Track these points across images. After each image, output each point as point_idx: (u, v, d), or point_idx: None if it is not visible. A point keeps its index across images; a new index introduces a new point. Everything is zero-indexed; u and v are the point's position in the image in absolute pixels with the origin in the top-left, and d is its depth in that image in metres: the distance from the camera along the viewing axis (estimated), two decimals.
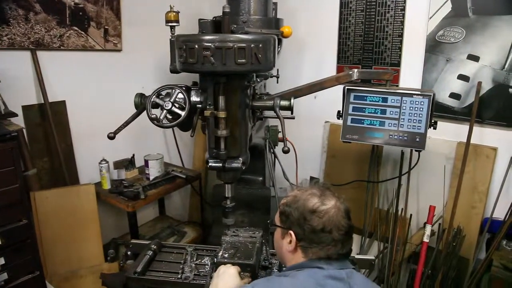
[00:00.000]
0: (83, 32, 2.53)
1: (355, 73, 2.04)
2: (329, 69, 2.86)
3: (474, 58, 2.26)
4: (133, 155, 2.88)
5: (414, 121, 1.97)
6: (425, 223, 2.38)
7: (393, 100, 2.01)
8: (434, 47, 2.39)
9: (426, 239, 2.35)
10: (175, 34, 1.59)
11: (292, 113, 1.67)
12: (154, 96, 1.53)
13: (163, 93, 1.58)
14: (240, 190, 2.21)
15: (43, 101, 2.38)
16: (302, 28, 2.88)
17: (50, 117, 2.40)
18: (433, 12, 2.35)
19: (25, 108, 2.32)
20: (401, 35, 2.51)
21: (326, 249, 1.15)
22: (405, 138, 1.99)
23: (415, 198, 2.60)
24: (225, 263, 1.41)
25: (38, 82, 2.34)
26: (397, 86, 2.56)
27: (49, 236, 2.31)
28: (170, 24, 1.68)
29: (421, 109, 1.95)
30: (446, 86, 2.39)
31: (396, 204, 2.54)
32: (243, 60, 1.35)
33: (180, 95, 1.53)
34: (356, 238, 2.67)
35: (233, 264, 1.40)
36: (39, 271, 1.94)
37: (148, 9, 2.87)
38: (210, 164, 1.60)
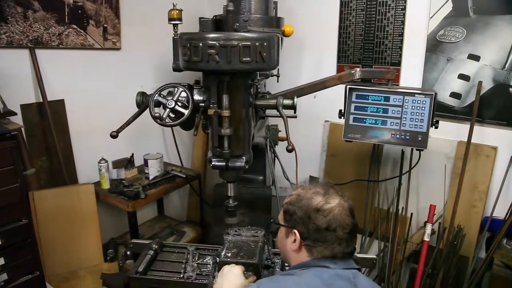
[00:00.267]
0: (82, 31, 2.51)
1: (358, 72, 2.04)
2: (329, 68, 2.86)
3: (474, 57, 2.27)
4: (132, 154, 2.86)
5: (416, 120, 1.97)
6: (425, 222, 2.39)
7: (395, 99, 2.01)
8: (435, 46, 2.39)
9: (426, 238, 2.36)
10: (178, 32, 1.58)
11: (295, 112, 1.67)
12: (157, 94, 1.52)
13: (165, 92, 1.57)
14: (240, 189, 2.20)
15: (41, 100, 2.35)
16: (302, 27, 2.87)
17: (49, 116, 2.38)
18: (433, 12, 2.36)
19: (24, 107, 2.29)
20: (401, 35, 2.51)
21: (331, 248, 1.14)
22: (407, 137, 1.99)
23: (415, 197, 2.61)
24: (228, 263, 1.39)
25: (36, 80, 2.31)
26: (398, 85, 2.56)
27: (48, 236, 2.28)
28: (173, 22, 1.66)
29: (423, 108, 1.95)
30: (446, 86, 2.40)
31: (397, 203, 2.55)
32: (248, 59, 1.34)
33: (183, 94, 1.52)
34: None
35: (236, 263, 1.39)
36: (39, 271, 1.92)
37: (147, 8, 2.86)
38: (213, 163, 1.59)
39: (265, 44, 1.36)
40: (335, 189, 1.23)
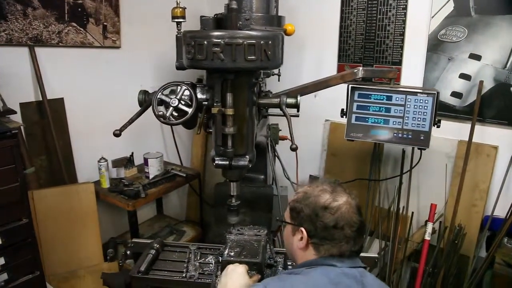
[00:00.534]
0: (81, 29, 2.49)
1: (360, 71, 2.04)
2: (330, 67, 2.86)
3: (476, 57, 2.27)
4: (132, 153, 2.85)
5: (419, 119, 1.97)
6: (426, 221, 2.39)
7: (397, 99, 2.01)
8: (436, 46, 2.40)
9: (427, 237, 2.37)
10: (182, 30, 1.57)
11: (298, 111, 1.66)
12: (160, 93, 1.51)
13: (167, 90, 1.56)
14: (242, 188, 2.19)
15: (41, 98, 2.34)
16: (303, 26, 2.86)
17: (48, 115, 2.36)
18: (435, 11, 2.36)
19: (23, 106, 2.28)
20: (402, 34, 2.51)
21: (338, 246, 1.13)
22: (409, 136, 2.00)
23: (416, 196, 2.61)
24: (231, 262, 1.38)
25: (36, 79, 2.30)
26: (399, 84, 2.56)
27: (47, 235, 2.27)
28: (176, 20, 1.65)
29: (425, 107, 1.96)
30: (447, 85, 2.40)
31: (398, 202, 2.55)
32: (253, 57, 1.33)
33: (187, 92, 1.51)
34: None
35: (240, 262, 1.38)
36: (40, 271, 1.91)
37: (147, 6, 2.85)
38: (216, 162, 1.58)
39: (270, 42, 1.35)
40: (342, 187, 1.23)
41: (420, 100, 1.97)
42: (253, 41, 1.32)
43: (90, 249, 2.48)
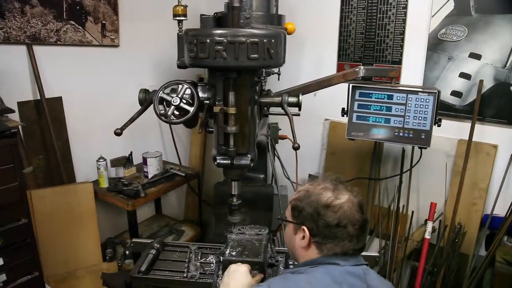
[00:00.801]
0: (80, 27, 2.47)
1: (362, 70, 2.03)
2: (330, 66, 2.85)
3: (476, 56, 2.28)
4: (131, 152, 2.83)
5: (420, 118, 1.97)
6: (426, 220, 2.40)
7: (398, 97, 2.01)
8: (436, 45, 2.40)
9: (427, 236, 2.37)
10: (183, 29, 1.55)
11: (299, 110, 1.65)
12: (161, 91, 1.50)
13: (168, 89, 1.54)
14: (242, 187, 2.19)
15: (39, 97, 2.31)
16: (302, 25, 2.84)
17: (46, 114, 2.34)
18: (435, 11, 2.36)
19: (21, 105, 2.25)
20: (402, 33, 2.51)
21: (341, 244, 1.12)
22: (410, 135, 2.00)
23: (416, 195, 2.61)
24: (233, 261, 1.37)
25: (34, 77, 2.28)
26: (399, 83, 2.56)
27: (45, 235, 2.24)
28: (177, 18, 1.64)
29: (426, 106, 1.95)
30: (447, 84, 2.40)
31: (397, 201, 2.55)
32: (256, 55, 1.32)
33: (188, 91, 1.50)
34: None
35: (242, 262, 1.37)
36: (39, 272, 1.89)
37: (146, 5, 2.83)
38: (218, 161, 1.57)
39: (272, 41, 1.34)
40: (344, 184, 1.22)
41: (421, 99, 1.97)
42: (256, 40, 1.31)
43: (88, 249, 2.46)
